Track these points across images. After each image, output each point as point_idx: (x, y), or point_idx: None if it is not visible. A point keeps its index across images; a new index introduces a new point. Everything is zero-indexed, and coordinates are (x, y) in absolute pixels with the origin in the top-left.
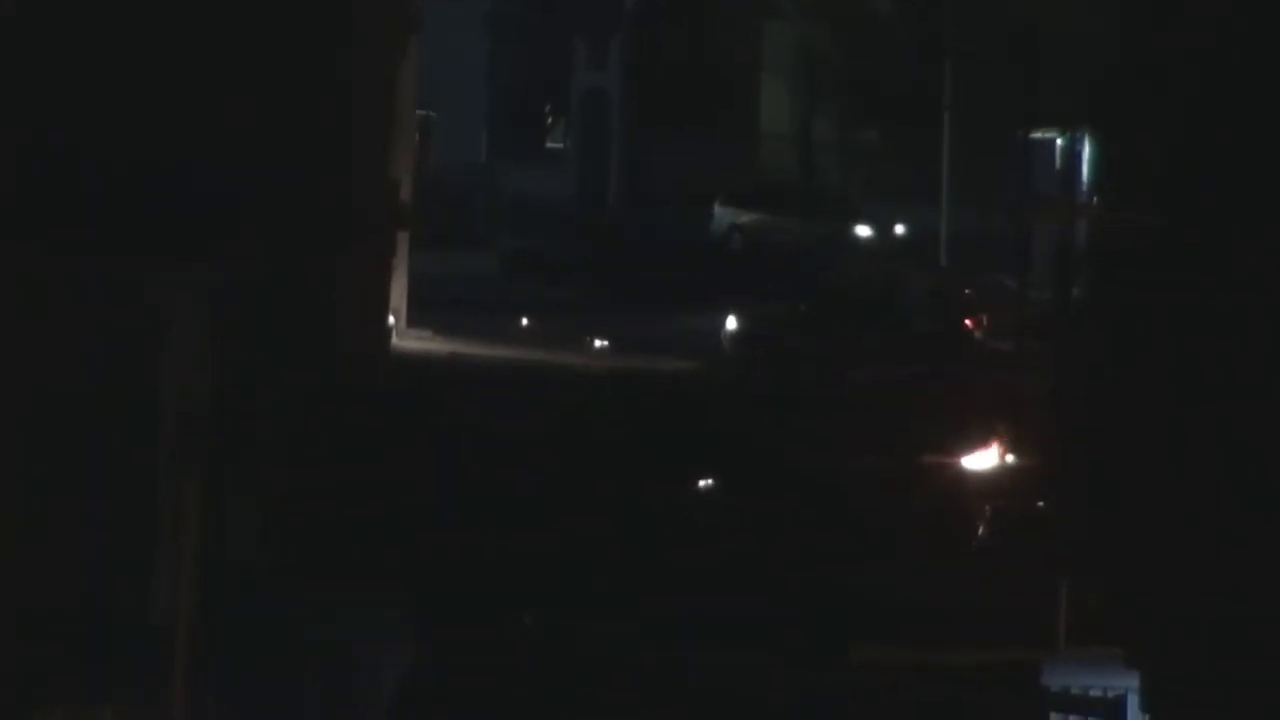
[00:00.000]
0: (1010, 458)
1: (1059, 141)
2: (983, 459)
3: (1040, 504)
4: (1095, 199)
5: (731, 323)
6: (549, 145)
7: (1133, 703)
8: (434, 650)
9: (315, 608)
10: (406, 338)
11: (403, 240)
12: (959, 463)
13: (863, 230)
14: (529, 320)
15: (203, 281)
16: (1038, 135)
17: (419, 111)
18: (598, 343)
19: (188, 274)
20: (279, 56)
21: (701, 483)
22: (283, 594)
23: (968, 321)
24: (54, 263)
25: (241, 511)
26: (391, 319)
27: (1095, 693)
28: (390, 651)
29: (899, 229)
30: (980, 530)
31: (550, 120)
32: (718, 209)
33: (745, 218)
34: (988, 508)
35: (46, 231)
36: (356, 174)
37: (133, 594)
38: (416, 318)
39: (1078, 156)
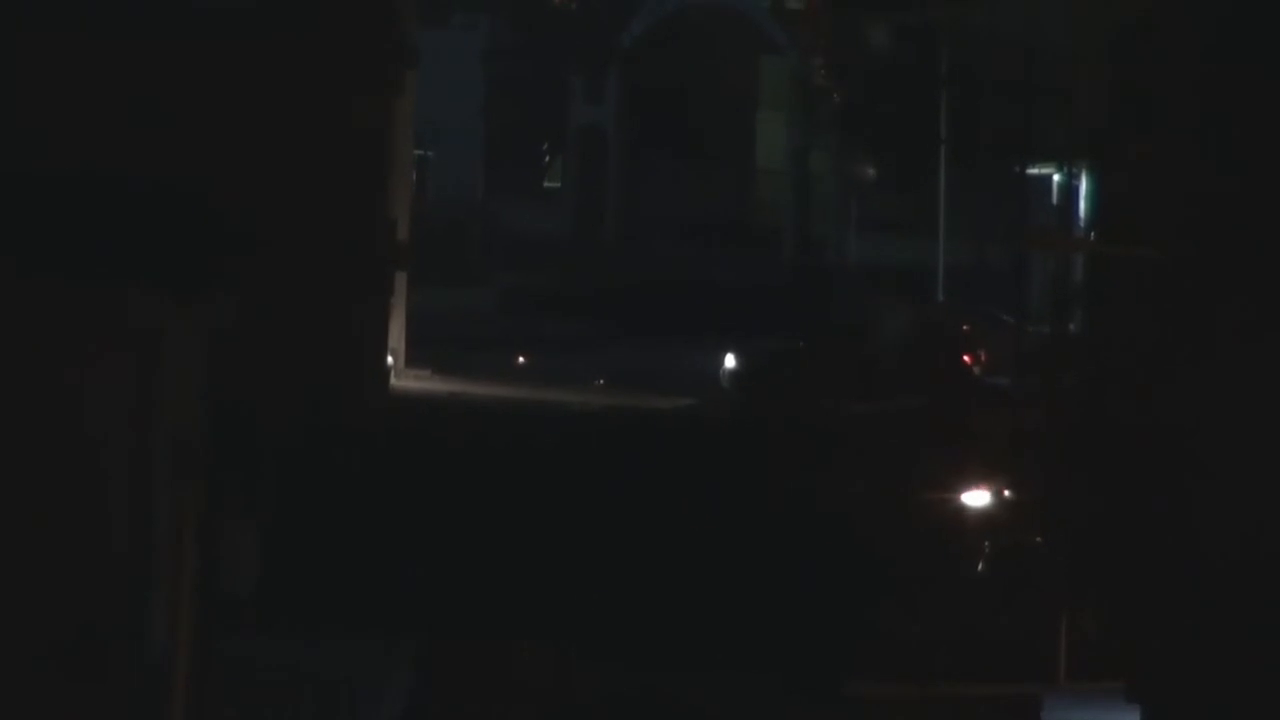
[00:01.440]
0: (1008, 493)
1: (1056, 177)
2: (981, 494)
3: (1039, 538)
4: (1093, 233)
5: (730, 360)
6: (546, 184)
7: None
8: (431, 681)
9: (313, 639)
10: (405, 377)
11: (400, 279)
12: (958, 498)
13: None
14: (527, 357)
15: (203, 310)
16: (1035, 170)
17: (416, 151)
18: (596, 380)
19: (187, 303)
20: (282, 96)
21: (700, 517)
22: (281, 626)
23: (965, 357)
24: (47, 285)
25: (239, 543)
26: (390, 359)
27: None
28: (388, 682)
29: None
30: (979, 564)
31: (548, 159)
32: None
33: None
34: (986, 542)
35: (42, 256)
36: (357, 212)
37: (128, 626)
38: (415, 356)
39: (1075, 191)
